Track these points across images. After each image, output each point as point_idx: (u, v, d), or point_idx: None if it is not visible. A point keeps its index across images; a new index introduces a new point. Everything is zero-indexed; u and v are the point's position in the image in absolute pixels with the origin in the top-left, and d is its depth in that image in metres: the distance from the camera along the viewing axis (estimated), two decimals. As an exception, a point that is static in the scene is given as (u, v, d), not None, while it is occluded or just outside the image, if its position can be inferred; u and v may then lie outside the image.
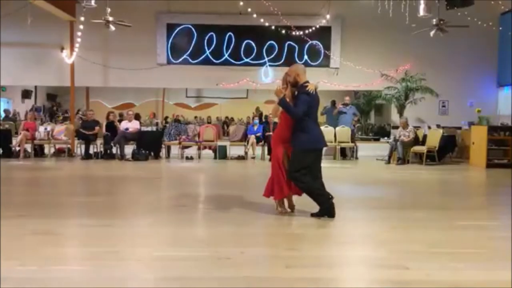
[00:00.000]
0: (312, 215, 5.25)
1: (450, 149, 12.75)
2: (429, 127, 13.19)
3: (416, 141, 12.12)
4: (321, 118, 15.47)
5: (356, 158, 13.06)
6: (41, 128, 12.66)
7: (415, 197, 7.23)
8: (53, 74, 14.27)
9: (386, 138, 15.15)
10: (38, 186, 8.19)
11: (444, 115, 14.80)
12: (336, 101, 14.06)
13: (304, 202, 5.48)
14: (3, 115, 15.96)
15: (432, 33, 12.00)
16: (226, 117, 22.53)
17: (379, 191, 7.61)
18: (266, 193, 5.45)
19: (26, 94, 19.82)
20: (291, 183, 5.27)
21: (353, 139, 13.06)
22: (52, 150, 12.84)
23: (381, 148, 13.30)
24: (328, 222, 5.15)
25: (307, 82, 5.23)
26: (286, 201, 5.53)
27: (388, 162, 11.99)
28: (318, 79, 14.49)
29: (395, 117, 14.86)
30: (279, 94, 5.17)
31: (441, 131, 12.24)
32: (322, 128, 13.06)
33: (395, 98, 14.25)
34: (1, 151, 12.21)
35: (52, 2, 11.91)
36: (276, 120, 12.84)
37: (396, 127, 13.47)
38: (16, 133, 12.94)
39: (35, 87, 19.76)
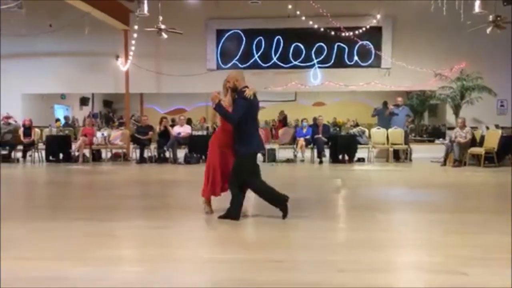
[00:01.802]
0: (284, 217, 5.15)
1: (510, 150, 12.13)
2: (487, 128, 12.61)
3: (473, 142, 11.63)
4: (372, 120, 15.23)
5: (410, 160, 12.69)
6: (99, 134, 13.20)
7: (471, 201, 6.94)
8: (108, 82, 14.82)
9: (441, 139, 14.61)
10: (95, 189, 8.52)
11: (503, 114, 14.12)
12: (387, 102, 13.75)
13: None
14: (63, 121, 16.76)
15: (488, 30, 11.49)
16: (274, 120, 22.52)
17: (434, 195, 7.35)
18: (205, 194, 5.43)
19: (84, 101, 20.73)
20: (224, 185, 5.29)
21: (406, 141, 12.71)
22: (109, 154, 13.34)
23: (436, 149, 12.84)
24: (381, 226, 5.03)
25: (246, 87, 5.18)
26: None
27: (444, 164, 11.58)
28: (368, 80, 14.27)
29: (450, 118, 14.34)
30: (214, 99, 5.15)
31: (499, 131, 11.68)
32: (374, 130, 13.02)
33: (450, 98, 13.75)
34: (62, 156, 12.81)
35: (108, 12, 12.42)
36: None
37: (452, 128, 12.98)
38: (75, 138, 13.53)
39: (92, 94, 20.60)
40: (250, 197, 5.60)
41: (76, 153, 12.76)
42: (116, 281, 3.31)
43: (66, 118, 17.30)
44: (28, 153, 13.07)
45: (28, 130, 12.91)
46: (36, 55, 14.40)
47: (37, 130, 13.16)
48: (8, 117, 13.04)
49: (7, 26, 11.89)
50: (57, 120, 16.72)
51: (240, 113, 5.05)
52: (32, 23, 12.99)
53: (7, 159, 12.62)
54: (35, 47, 14.25)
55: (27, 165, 12.48)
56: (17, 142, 12.87)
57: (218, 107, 5.12)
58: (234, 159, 5.23)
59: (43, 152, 12.85)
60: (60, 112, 18.88)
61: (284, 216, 5.16)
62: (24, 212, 5.64)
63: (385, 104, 13.68)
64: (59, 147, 12.87)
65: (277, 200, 5.24)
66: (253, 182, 5.24)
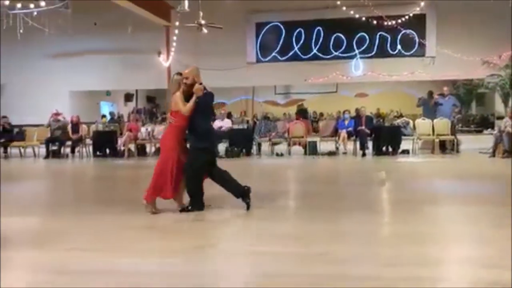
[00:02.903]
0: (248, 209, 5.19)
1: None
2: (540, 117, 12.02)
3: (525, 132, 11.12)
4: (416, 110, 14.84)
5: (457, 151, 12.27)
6: (143, 129, 13.50)
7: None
8: (151, 78, 15.13)
9: (489, 129, 14.08)
10: (140, 183, 8.71)
11: (557, 103, 13.42)
12: (433, 92, 13.33)
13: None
14: (109, 117, 17.26)
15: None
16: (314, 112, 22.34)
17: (483, 187, 7.08)
18: (169, 194, 5.21)
19: (128, 97, 21.27)
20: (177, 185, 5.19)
21: (453, 132, 12.30)
22: (153, 149, 13.62)
23: (485, 140, 12.37)
24: (428, 219, 4.89)
25: (201, 83, 5.29)
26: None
27: (493, 155, 11.13)
28: (412, 70, 13.90)
29: (499, 107, 13.78)
30: (198, 92, 5.16)
31: (554, 120, 11.10)
32: (418, 120, 12.67)
33: (499, 86, 13.19)
34: (108, 150, 13.20)
35: (150, 10, 12.65)
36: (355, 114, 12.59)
37: (501, 118, 12.45)
38: (121, 134, 13.90)
39: (136, 90, 21.09)
40: (292, 189, 5.58)
41: (122, 148, 13.10)
42: (162, 272, 3.38)
43: (111, 114, 17.79)
44: (76, 149, 13.56)
45: (76, 126, 13.37)
46: (82, 53, 14.87)
47: (84, 126, 13.61)
48: (57, 114, 13.54)
49: (54, 26, 12.31)
50: (103, 116, 17.23)
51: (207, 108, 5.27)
52: (78, 23, 13.40)
53: (57, 154, 13.13)
54: (81, 46, 14.72)
55: (76, 160, 12.95)
56: (66, 138, 13.37)
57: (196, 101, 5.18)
58: (186, 155, 5.23)
59: (91, 148, 13.29)
60: (105, 109, 19.44)
61: (247, 207, 5.21)
62: (73, 206, 5.84)
63: (430, 94, 13.26)
64: (105, 143, 13.27)
65: (238, 191, 5.32)
66: (212, 172, 5.37)
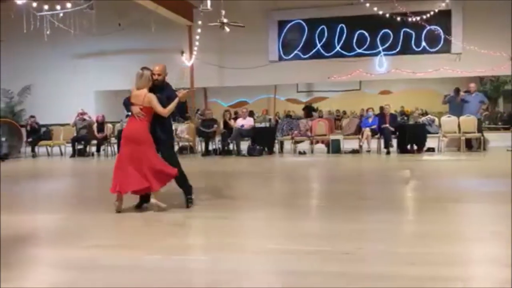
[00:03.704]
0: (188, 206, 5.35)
1: None
2: None
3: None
4: (442, 108, 14.57)
5: (484, 149, 12.01)
6: (166, 128, 13.61)
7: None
8: (174, 77, 15.19)
9: (518, 126, 13.73)
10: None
11: None
12: (459, 88, 13.05)
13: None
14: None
15: None
16: (337, 110, 22.18)
17: (509, 185, 6.90)
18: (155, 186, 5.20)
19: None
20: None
21: (479, 129, 12.04)
22: (176, 147, 13.73)
23: (513, 138, 12.07)
24: (454, 218, 4.80)
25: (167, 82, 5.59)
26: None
27: (521, 153, 10.86)
28: (437, 66, 13.65)
29: (528, 104, 13.41)
30: (184, 98, 5.50)
31: None
32: (444, 118, 12.44)
33: (528, 82, 12.84)
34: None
35: (173, 9, 12.76)
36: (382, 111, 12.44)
37: (530, 114, 12.13)
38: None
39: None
40: (315, 187, 5.54)
41: (145, 147, 13.23)
42: (184, 269, 3.40)
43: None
44: (102, 148, 13.78)
45: (101, 126, 13.60)
46: (106, 53, 15.09)
47: (109, 125, 13.82)
48: (82, 114, 13.78)
49: (79, 27, 12.53)
50: (128, 115, 17.44)
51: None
52: (102, 23, 13.59)
53: (82, 153, 13.38)
54: (106, 46, 14.93)
55: (101, 159, 13.16)
56: (92, 137, 13.60)
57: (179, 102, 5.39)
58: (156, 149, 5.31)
59: (115, 146, 13.49)
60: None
61: (188, 206, 5.42)
62: (98, 202, 5.93)
63: (456, 90, 12.98)
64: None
65: (188, 189, 5.52)
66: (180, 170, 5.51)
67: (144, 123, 5.29)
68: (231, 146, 12.84)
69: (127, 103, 5.40)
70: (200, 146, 13.48)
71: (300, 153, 12.48)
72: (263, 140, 12.62)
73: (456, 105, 12.48)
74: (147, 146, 5.24)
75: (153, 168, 5.19)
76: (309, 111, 14.80)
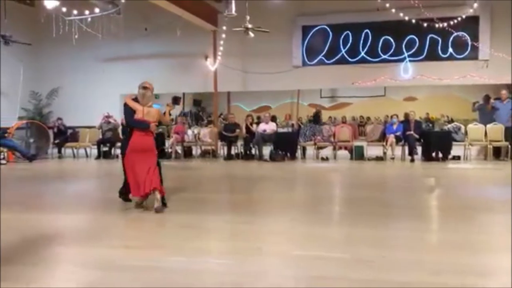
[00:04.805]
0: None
1: None
2: None
3: None
4: (468, 115, 14.31)
5: None
6: (189, 131, 13.77)
7: None
8: (198, 81, 15.36)
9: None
10: (186, 183, 8.88)
11: None
12: (490, 96, 12.75)
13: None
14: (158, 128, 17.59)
15: None
16: (361, 116, 22.01)
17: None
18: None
19: (175, 100, 21.63)
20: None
21: (508, 138, 11.76)
22: (199, 151, 13.85)
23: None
24: (479, 227, 4.70)
25: None
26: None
27: (552, 163, 10.57)
28: (464, 73, 13.42)
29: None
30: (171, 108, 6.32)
31: None
32: (470, 126, 12.22)
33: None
34: (156, 152, 13.51)
35: (198, 14, 12.89)
36: (415, 118, 12.29)
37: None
38: (168, 136, 14.21)
39: (183, 93, 21.49)
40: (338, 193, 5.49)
41: (169, 150, 13.39)
42: (207, 272, 3.42)
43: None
44: (126, 150, 13.95)
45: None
46: (132, 57, 15.31)
47: (133, 128, 13.98)
48: (108, 116, 14.01)
49: (107, 31, 12.76)
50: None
51: None
52: (129, 28, 13.82)
53: (107, 155, 13.59)
54: (132, 50, 15.16)
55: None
56: (117, 139, 13.79)
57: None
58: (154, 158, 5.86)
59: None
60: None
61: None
62: (122, 204, 6.02)
63: (487, 98, 12.65)
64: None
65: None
66: None
67: (152, 135, 6.00)
68: (253, 151, 12.86)
69: (139, 122, 5.76)
70: (222, 150, 13.54)
71: (322, 158, 12.42)
72: (286, 145, 12.61)
73: (486, 113, 12.22)
74: (154, 154, 5.92)
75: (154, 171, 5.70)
76: (315, 118, 14.65)
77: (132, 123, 5.75)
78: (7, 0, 13.05)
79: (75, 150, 14.07)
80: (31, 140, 13.55)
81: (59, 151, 14.07)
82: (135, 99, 5.91)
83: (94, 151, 13.81)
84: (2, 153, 12.35)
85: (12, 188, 8.29)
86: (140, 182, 5.51)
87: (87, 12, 11.99)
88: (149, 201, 5.61)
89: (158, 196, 5.48)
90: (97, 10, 11.92)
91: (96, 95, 15.49)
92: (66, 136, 14.26)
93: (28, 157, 12.55)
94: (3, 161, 12.25)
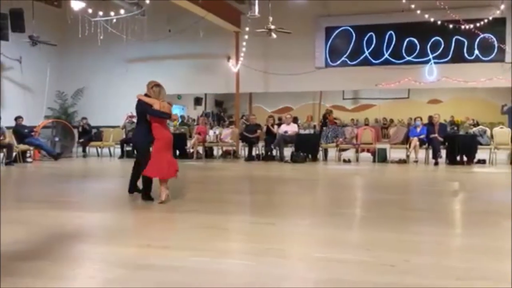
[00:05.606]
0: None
1: None
2: None
3: None
4: (494, 118, 14.02)
5: (539, 163, 11.43)
6: (211, 132, 13.85)
7: None
8: (220, 82, 15.43)
9: None
10: (207, 184, 8.94)
11: None
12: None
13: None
14: (179, 120, 17.81)
15: None
16: (384, 119, 21.77)
17: None
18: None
19: (197, 101, 21.87)
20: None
21: (534, 141, 11.48)
22: (220, 152, 13.91)
23: None
24: (503, 233, 4.61)
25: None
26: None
27: None
28: (490, 76, 13.16)
29: None
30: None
31: None
32: (496, 129, 11.97)
33: None
34: (178, 152, 13.64)
35: (221, 16, 12.96)
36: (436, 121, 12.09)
37: None
38: (190, 136, 14.31)
39: (205, 94, 21.63)
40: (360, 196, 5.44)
41: (191, 150, 13.49)
42: (230, 272, 3.43)
43: (181, 117, 18.35)
44: (149, 150, 14.10)
45: (148, 128, 13.92)
46: (156, 58, 15.47)
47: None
48: (131, 117, 14.15)
49: (131, 32, 12.94)
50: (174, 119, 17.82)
51: None
52: (153, 29, 13.98)
53: (131, 155, 13.74)
54: (155, 51, 15.32)
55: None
56: (139, 139, 13.95)
57: None
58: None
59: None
60: (176, 112, 20.09)
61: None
62: (145, 203, 6.09)
63: (516, 101, 12.42)
64: (175, 144, 13.64)
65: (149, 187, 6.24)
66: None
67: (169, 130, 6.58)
68: (274, 152, 12.85)
69: (162, 112, 6.19)
70: (243, 151, 13.58)
71: (344, 161, 12.33)
72: (307, 146, 12.56)
73: (515, 116, 11.99)
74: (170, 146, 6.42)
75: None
76: (324, 120, 14.51)
77: (157, 114, 6.13)
78: (35, 1, 13.36)
79: (99, 149, 14.28)
80: (57, 139, 13.81)
81: (84, 150, 14.31)
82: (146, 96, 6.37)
83: (118, 151, 14.00)
84: (28, 152, 12.62)
85: (38, 186, 8.48)
86: (166, 167, 6.01)
87: (112, 13, 12.19)
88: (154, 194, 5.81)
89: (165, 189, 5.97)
90: (122, 11, 12.10)
91: (120, 95, 15.68)
92: (90, 135, 14.49)
93: (53, 156, 12.81)
94: (29, 159, 12.52)
